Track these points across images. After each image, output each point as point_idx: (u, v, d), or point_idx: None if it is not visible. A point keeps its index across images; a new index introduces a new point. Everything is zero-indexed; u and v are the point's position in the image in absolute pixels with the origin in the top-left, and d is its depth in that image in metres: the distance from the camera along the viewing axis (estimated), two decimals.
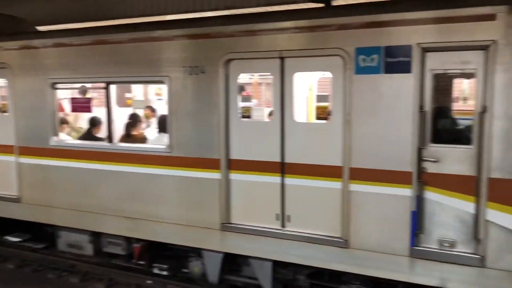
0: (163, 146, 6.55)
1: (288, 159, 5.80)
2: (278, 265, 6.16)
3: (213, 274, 6.49)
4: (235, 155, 6.10)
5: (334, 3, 6.14)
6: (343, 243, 5.51)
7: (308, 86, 7.57)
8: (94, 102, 7.62)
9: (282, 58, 5.71)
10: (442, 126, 5.60)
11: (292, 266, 6.10)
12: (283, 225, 5.90)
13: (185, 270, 6.95)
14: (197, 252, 6.65)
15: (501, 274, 4.83)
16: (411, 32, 5.04)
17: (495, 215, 4.79)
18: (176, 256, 7.06)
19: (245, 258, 6.36)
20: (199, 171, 6.28)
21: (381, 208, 5.30)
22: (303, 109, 7.30)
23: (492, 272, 4.86)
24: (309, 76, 7.56)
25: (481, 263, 4.90)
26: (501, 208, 4.76)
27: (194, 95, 6.23)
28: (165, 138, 6.68)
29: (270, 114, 5.99)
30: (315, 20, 5.53)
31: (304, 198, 5.74)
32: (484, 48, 4.76)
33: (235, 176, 6.12)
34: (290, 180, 5.81)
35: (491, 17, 4.71)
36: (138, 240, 7.03)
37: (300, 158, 5.74)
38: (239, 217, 6.16)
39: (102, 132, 7.63)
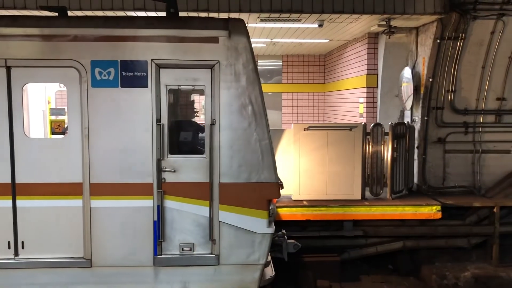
0: None
1: (21, 179, 5.25)
2: None
3: None
4: None
5: (70, 13, 5.86)
6: (86, 263, 5.28)
7: (46, 98, 7.04)
8: None
9: (8, 68, 5.16)
10: (180, 138, 5.98)
11: None
12: (16, 254, 5.28)
13: None
14: None
15: (232, 268, 5.41)
16: (146, 48, 5.23)
17: (226, 215, 5.35)
18: None
19: None
20: None
21: (125, 222, 5.30)
22: (39, 123, 6.74)
23: (225, 268, 5.40)
24: (47, 88, 7.04)
25: (217, 261, 5.39)
26: (230, 209, 5.35)
27: None
28: None
29: None
30: (46, 29, 5.21)
31: (41, 220, 5.28)
32: (210, 67, 5.30)
33: None
34: (23, 202, 5.26)
35: (215, 40, 5.28)
36: None
37: (36, 177, 5.27)
38: None
39: None
